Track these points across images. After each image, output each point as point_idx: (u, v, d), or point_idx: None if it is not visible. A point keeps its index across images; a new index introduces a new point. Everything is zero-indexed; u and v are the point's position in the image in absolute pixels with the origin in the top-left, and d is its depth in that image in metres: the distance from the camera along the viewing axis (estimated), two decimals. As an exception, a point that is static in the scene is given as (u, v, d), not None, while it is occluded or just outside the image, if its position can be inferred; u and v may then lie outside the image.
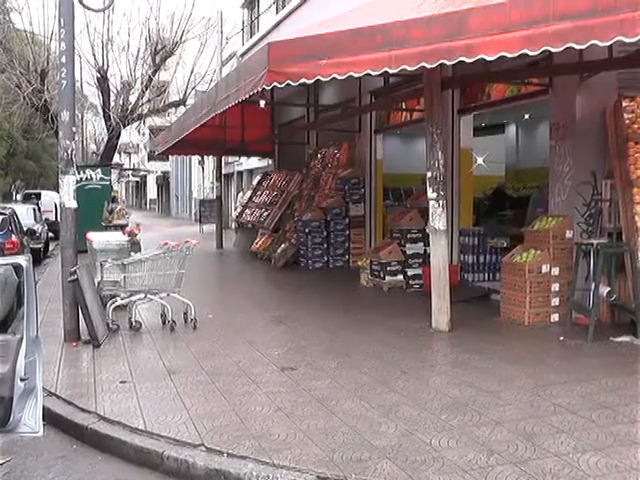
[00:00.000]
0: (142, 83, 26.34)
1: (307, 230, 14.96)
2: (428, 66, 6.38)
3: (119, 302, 8.67)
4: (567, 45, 5.65)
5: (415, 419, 5.14)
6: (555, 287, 8.87)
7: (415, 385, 6.06)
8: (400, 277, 11.79)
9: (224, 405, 5.53)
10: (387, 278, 11.77)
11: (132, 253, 9.42)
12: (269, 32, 19.60)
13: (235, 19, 27.55)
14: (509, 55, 5.93)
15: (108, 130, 26.19)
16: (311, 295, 11.88)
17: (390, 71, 6.58)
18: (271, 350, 7.44)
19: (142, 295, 8.67)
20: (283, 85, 6.94)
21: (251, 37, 24.61)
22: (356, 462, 4.32)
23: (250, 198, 21.74)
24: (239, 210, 22.50)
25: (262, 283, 13.87)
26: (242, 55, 22.88)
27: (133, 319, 8.61)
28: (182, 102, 26.98)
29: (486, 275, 11.88)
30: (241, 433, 4.87)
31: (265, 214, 18.74)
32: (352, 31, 6.82)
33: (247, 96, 7.76)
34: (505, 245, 11.57)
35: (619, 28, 5.42)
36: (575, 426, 5.02)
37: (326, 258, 15.08)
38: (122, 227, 15.18)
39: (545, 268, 8.83)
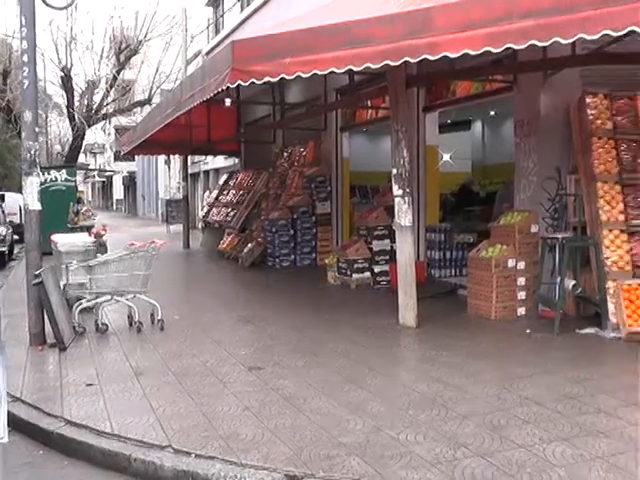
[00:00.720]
0: (107, 82, 26.14)
1: (274, 229, 14.95)
2: (392, 64, 6.40)
3: (85, 304, 8.58)
4: (530, 42, 5.72)
5: (383, 415, 5.15)
6: (521, 281, 8.97)
7: (383, 382, 6.08)
8: (367, 274, 11.83)
9: (192, 406, 5.50)
10: (354, 276, 11.80)
11: (98, 255, 9.33)
12: (234, 30, 19.55)
13: (200, 17, 27.44)
14: (472, 52, 5.99)
15: (73, 130, 25.91)
16: (278, 294, 11.86)
17: (354, 69, 6.60)
18: (238, 350, 7.42)
19: (108, 297, 8.58)
20: (248, 84, 6.93)
21: (216, 35, 24.52)
22: (324, 459, 4.33)
23: (217, 198, 21.65)
24: (206, 210, 22.39)
25: (229, 283, 13.83)
26: (207, 53, 22.78)
27: (99, 321, 8.51)
28: (147, 101, 26.79)
29: (453, 271, 11.98)
30: (209, 433, 4.85)
31: (232, 213, 18.68)
32: (316, 29, 6.81)
33: (212, 95, 7.73)
34: (472, 241, 11.68)
35: (581, 26, 5.51)
36: (541, 417, 5.08)
37: (293, 257, 15.07)
38: (88, 228, 15.06)
39: (511, 262, 8.92)
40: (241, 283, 13.61)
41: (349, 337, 7.92)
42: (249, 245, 15.91)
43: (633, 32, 5.47)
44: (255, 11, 18.08)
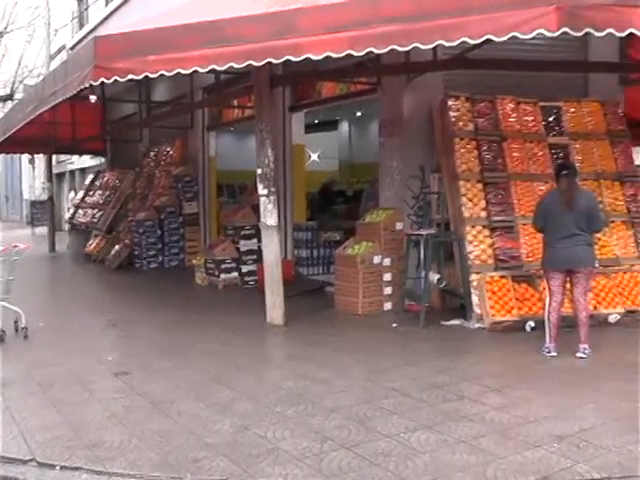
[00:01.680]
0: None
1: (141, 230, 14.62)
2: (256, 64, 6.41)
3: (-59, 313, 8.10)
4: (391, 47, 5.88)
5: (250, 414, 5.17)
6: (387, 277, 9.21)
7: (250, 381, 6.10)
8: (235, 274, 11.79)
9: (56, 416, 5.29)
10: (222, 276, 11.74)
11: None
12: (99, 25, 19.00)
13: (64, 10, 26.41)
14: (335, 55, 6.08)
15: None
16: (146, 296, 11.63)
17: (218, 68, 6.57)
18: (105, 355, 7.21)
19: (-32, 305, 8.14)
20: (111, 81, 6.77)
21: (80, 29, 23.70)
22: (191, 462, 4.29)
23: (83, 198, 20.96)
24: (72, 211, 21.62)
25: (96, 286, 13.45)
26: (72, 48, 22.00)
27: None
28: (9, 97, 25.59)
29: (321, 268, 12.14)
30: (74, 444, 4.69)
31: (98, 215, 18.13)
32: (180, 27, 6.72)
33: (75, 92, 7.49)
34: (338, 238, 11.86)
35: (441, 32, 5.72)
36: (407, 407, 5.25)
37: (161, 258, 14.80)
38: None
39: (377, 259, 9.15)
40: (108, 286, 13.25)
41: (217, 337, 7.89)
42: (116, 247, 15.52)
43: (490, 40, 5.75)
44: (121, 5, 17.62)
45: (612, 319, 8.19)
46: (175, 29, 6.74)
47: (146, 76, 6.66)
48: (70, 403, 5.60)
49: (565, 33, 5.47)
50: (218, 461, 4.29)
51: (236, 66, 6.44)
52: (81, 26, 24.24)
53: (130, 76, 6.65)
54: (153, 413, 5.28)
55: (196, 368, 6.56)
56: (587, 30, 5.50)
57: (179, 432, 4.83)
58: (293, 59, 6.18)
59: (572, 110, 9.71)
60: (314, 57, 6.14)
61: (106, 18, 18.72)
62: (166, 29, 6.82)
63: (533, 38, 5.69)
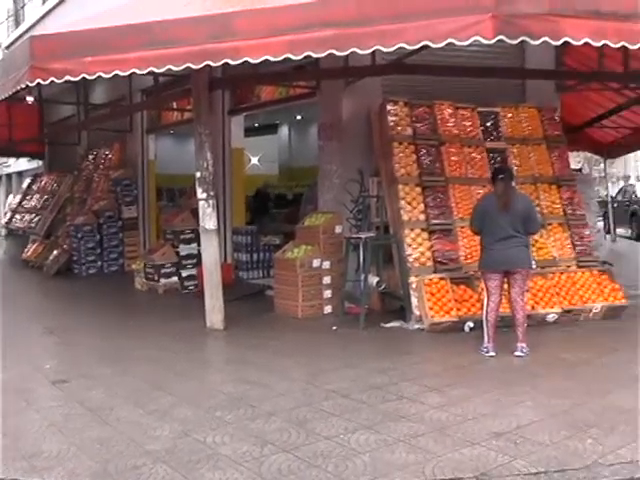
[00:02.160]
0: None
1: (79, 235, 14.33)
2: (194, 67, 6.40)
3: None
4: (329, 51, 5.92)
5: (190, 419, 5.13)
6: (327, 280, 9.24)
7: (190, 386, 6.06)
8: (175, 279, 11.68)
9: (-8, 426, 5.17)
10: (162, 281, 11.61)
11: None
12: (35, 24, 18.58)
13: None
14: (273, 59, 6.10)
15: None
16: (85, 303, 11.41)
17: (156, 71, 6.53)
18: (43, 363, 7.05)
19: None
20: (48, 82, 6.66)
21: (16, 28, 23.17)
22: (131, 469, 4.24)
23: (20, 202, 20.49)
24: (9, 216, 21.11)
25: (33, 293, 13.15)
26: (8, 47, 21.46)
27: None
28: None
29: (261, 272, 12.12)
30: (11, 455, 4.55)
31: (36, 219, 17.74)
32: (119, 28, 6.67)
33: (10, 94, 7.35)
34: (278, 242, 11.86)
35: (378, 38, 5.78)
36: (346, 408, 5.28)
37: (100, 263, 14.51)
38: None
39: (316, 262, 9.18)
40: (46, 293, 12.98)
41: (157, 343, 7.81)
42: (54, 252, 15.21)
43: (428, 46, 5.83)
44: (58, 4, 17.27)
45: (550, 318, 8.39)
46: (113, 30, 6.68)
47: (84, 77, 6.59)
48: (7, 413, 5.43)
49: (501, 40, 5.59)
50: (158, 468, 4.25)
51: (174, 69, 6.41)
52: (17, 25, 23.71)
53: (67, 77, 6.59)
54: (92, 421, 5.19)
55: (136, 375, 6.48)
56: (523, 38, 5.64)
57: (118, 439, 4.77)
58: (232, 62, 6.18)
59: (510, 116, 9.91)
60: (252, 60, 6.14)
61: (43, 17, 18.33)
62: (104, 30, 6.76)
63: (471, 45, 5.81)
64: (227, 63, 6.26)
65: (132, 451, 4.54)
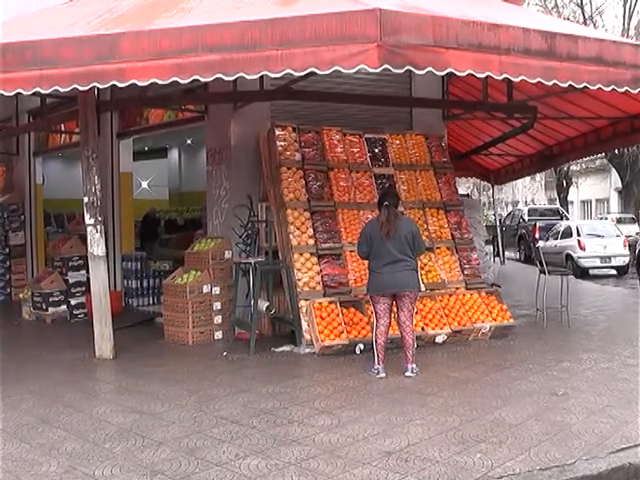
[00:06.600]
0: None
1: (-37, 263, 13.68)
2: (80, 88, 6.22)
3: None
4: (216, 76, 5.89)
5: (78, 453, 4.95)
6: (217, 305, 9.18)
7: (78, 418, 5.83)
8: (64, 307, 11.27)
9: None
10: (50, 309, 11.18)
11: None
12: None
13: None
14: (160, 82, 6.03)
15: None
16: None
17: (42, 91, 6.32)
18: None
19: None
20: None
21: None
22: (14, 508, 4.05)
23: None
24: None
25: None
26: None
27: None
28: None
29: (151, 299, 11.92)
30: None
31: None
32: (2, 45, 6.40)
33: None
34: (168, 268, 11.72)
35: (264, 63, 5.80)
36: (237, 435, 5.24)
37: (-14, 293, 13.90)
38: None
39: (206, 288, 9.09)
40: None
41: (43, 374, 7.48)
42: None
43: (315, 73, 5.92)
44: None
45: (439, 339, 8.61)
46: (-4, 47, 6.40)
47: (-36, 97, 6.30)
48: None
49: (388, 69, 5.73)
50: (42, 504, 4.07)
51: (60, 89, 6.21)
52: None
53: (-55, 97, 6.28)
54: (-26, 460, 4.92)
55: (21, 408, 6.17)
56: (408, 68, 5.78)
57: (4, 478, 4.53)
58: (119, 84, 6.06)
59: (397, 142, 10.19)
60: (139, 83, 6.04)
61: None
62: (-15, 48, 6.47)
63: (359, 73, 5.93)
64: (115, 85, 6.14)
65: (16, 489, 4.33)
